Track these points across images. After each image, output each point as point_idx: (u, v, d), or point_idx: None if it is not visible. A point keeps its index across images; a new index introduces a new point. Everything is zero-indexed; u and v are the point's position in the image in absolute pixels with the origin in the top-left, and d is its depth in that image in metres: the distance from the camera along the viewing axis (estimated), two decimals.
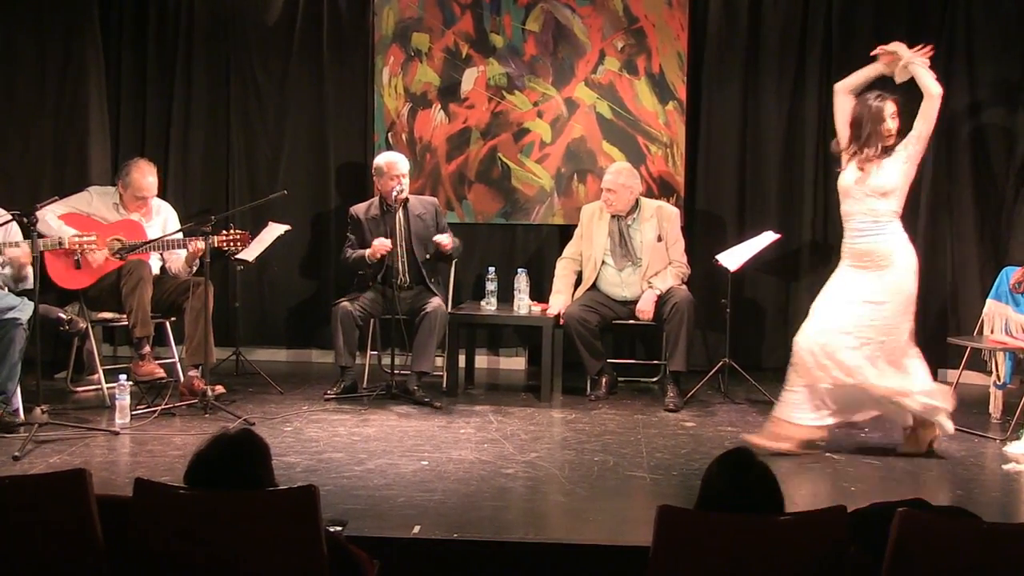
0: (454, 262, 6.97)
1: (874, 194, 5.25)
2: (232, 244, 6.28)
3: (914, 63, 5.29)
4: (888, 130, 5.28)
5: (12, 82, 7.12)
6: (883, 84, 5.43)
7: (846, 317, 5.26)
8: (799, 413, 5.30)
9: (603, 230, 6.64)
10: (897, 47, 5.35)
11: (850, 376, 5.21)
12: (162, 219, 6.57)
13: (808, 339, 5.30)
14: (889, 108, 5.28)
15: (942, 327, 7.06)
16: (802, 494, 4.61)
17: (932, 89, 5.24)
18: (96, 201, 6.41)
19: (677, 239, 6.66)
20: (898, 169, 5.26)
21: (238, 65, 7.50)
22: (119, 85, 7.52)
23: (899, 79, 5.38)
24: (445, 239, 6.58)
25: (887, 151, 5.29)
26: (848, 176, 5.35)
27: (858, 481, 4.87)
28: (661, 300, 6.44)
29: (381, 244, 6.39)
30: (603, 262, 6.63)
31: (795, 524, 2.87)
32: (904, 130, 5.29)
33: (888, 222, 5.27)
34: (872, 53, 5.44)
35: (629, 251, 6.58)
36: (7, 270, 5.77)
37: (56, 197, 5.89)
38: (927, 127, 5.27)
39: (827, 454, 5.31)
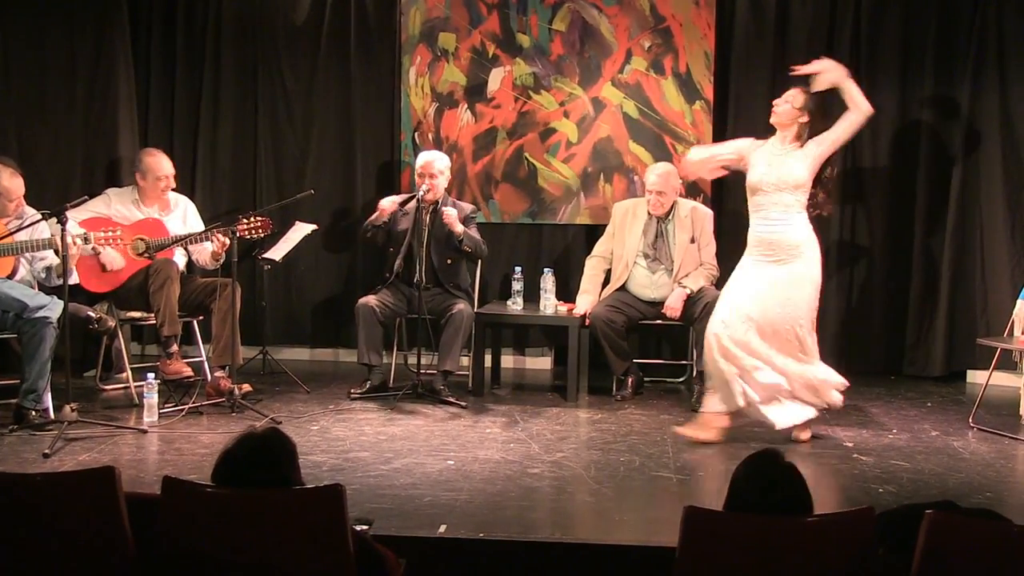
0: (479, 262, 6.96)
1: (785, 187, 5.41)
2: (254, 231, 6.19)
3: (844, 82, 5.43)
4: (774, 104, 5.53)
5: (42, 81, 7.15)
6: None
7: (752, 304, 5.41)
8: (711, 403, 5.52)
9: (637, 229, 6.61)
10: (823, 65, 5.49)
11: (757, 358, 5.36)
12: (181, 211, 6.61)
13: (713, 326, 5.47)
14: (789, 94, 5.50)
15: (972, 328, 7.02)
16: (830, 496, 4.58)
17: (862, 105, 5.41)
18: (115, 202, 6.44)
19: (710, 241, 6.64)
20: (804, 165, 5.42)
21: (266, 65, 7.53)
22: (148, 85, 7.55)
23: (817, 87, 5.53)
24: (451, 212, 6.53)
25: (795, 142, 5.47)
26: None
27: (886, 483, 4.84)
28: (691, 299, 6.42)
29: (388, 203, 6.58)
30: (635, 263, 6.62)
31: (823, 526, 2.85)
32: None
33: (797, 213, 5.46)
34: (796, 73, 5.57)
35: (664, 252, 6.56)
36: (47, 262, 5.80)
37: (86, 196, 5.91)
38: (844, 136, 5.48)
39: (855, 455, 5.29)
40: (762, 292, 5.40)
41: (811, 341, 5.48)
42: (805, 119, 5.43)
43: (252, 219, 6.18)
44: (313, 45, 7.51)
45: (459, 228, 6.52)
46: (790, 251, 5.42)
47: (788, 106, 5.46)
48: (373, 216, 6.62)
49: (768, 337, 5.38)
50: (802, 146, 5.44)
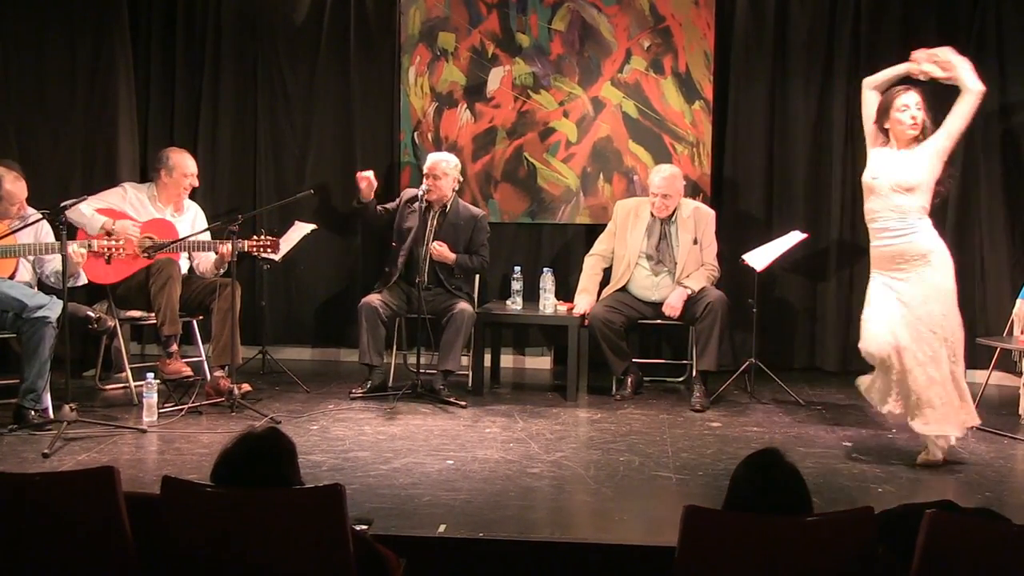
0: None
1: (899, 190, 5.07)
2: (262, 250, 6.31)
3: (954, 61, 5.06)
4: (898, 121, 5.09)
5: (42, 81, 7.15)
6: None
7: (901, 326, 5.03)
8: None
9: (639, 230, 6.59)
10: (938, 51, 5.11)
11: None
12: (191, 216, 6.61)
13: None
14: (901, 99, 5.10)
15: (971, 328, 6.98)
16: (830, 496, 4.58)
17: (973, 85, 5.01)
18: (131, 196, 6.44)
19: (711, 242, 6.62)
20: (923, 165, 5.05)
21: (266, 64, 7.53)
22: (148, 84, 7.55)
23: (933, 76, 5.13)
24: (439, 247, 6.54)
25: (912, 144, 5.10)
26: (871, 171, 5.19)
27: (886, 482, 4.84)
28: (693, 299, 6.41)
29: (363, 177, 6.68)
30: (636, 264, 6.61)
31: (823, 525, 2.85)
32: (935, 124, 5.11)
33: (918, 219, 5.08)
34: (913, 58, 5.19)
35: (668, 254, 6.54)
36: (55, 265, 5.79)
37: (85, 195, 5.92)
38: (960, 123, 5.05)
39: (855, 455, 5.29)
40: (897, 319, 5.03)
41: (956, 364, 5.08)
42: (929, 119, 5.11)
43: (263, 237, 6.24)
44: (313, 45, 7.51)
45: (451, 257, 6.56)
46: (915, 261, 5.04)
47: (922, 114, 5.06)
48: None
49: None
50: (916, 144, 5.10)
